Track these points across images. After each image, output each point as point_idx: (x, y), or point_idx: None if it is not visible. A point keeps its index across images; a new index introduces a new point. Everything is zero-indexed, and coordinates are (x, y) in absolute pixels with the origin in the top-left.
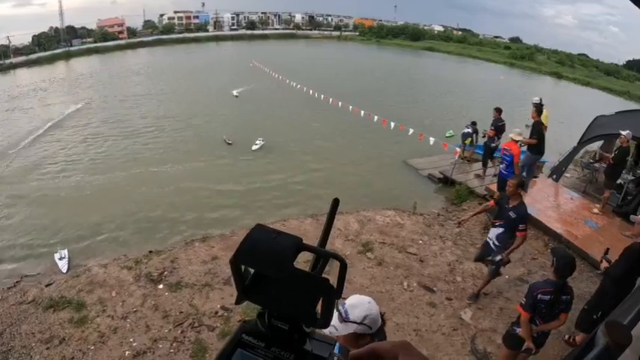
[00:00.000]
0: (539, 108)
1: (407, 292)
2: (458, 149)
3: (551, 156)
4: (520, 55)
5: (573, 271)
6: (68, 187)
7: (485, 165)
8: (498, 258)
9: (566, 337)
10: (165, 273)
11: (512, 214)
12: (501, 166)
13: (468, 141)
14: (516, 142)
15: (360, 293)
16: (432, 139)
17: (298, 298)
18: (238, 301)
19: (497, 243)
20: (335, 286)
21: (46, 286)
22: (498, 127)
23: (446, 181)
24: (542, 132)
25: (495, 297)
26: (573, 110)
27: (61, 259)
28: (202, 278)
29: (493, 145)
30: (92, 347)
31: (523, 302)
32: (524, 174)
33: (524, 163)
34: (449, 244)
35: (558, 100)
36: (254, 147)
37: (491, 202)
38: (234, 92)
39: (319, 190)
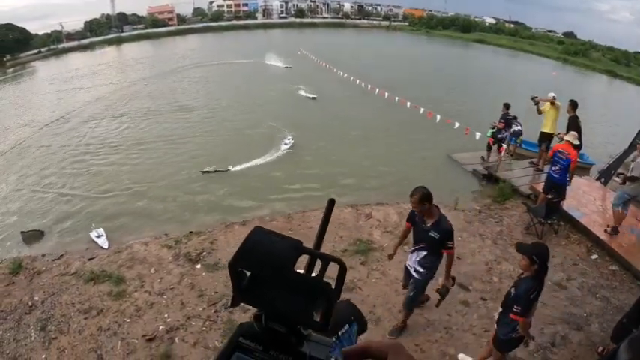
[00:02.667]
0: (574, 104)
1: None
2: (504, 145)
3: (600, 158)
4: (574, 51)
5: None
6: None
7: (489, 149)
8: (442, 286)
9: (600, 349)
10: (204, 253)
11: (434, 235)
12: (553, 168)
13: (519, 139)
14: (575, 146)
15: (394, 286)
16: (478, 134)
17: (296, 300)
18: (233, 304)
19: (420, 269)
20: (335, 288)
21: (89, 259)
22: (508, 121)
23: (490, 178)
24: (579, 127)
25: None
26: (627, 111)
27: (98, 236)
28: None
29: (500, 136)
30: (128, 320)
31: (518, 310)
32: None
33: None
34: (488, 242)
35: (611, 100)
36: (283, 147)
37: (406, 224)
38: (304, 93)
39: (360, 180)
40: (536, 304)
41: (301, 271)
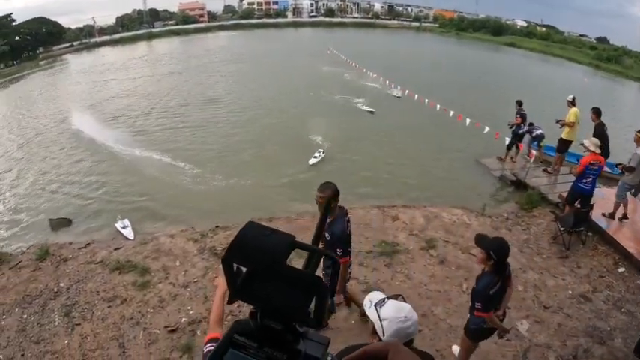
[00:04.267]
0: (597, 112)
1: (465, 295)
2: (534, 152)
3: None
4: (606, 56)
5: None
6: (146, 154)
7: (509, 149)
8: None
9: None
10: None
11: (327, 235)
12: (584, 180)
13: (543, 143)
14: (598, 154)
15: (418, 290)
16: (507, 139)
17: (291, 296)
18: (230, 301)
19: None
20: (329, 283)
21: (115, 249)
22: (523, 115)
23: (518, 185)
24: (606, 134)
25: (555, 312)
26: None
27: (124, 227)
28: None
29: (520, 132)
30: (151, 310)
31: (480, 307)
32: None
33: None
34: (514, 250)
35: None
36: (311, 161)
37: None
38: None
39: (386, 181)
40: (507, 295)
41: (294, 267)
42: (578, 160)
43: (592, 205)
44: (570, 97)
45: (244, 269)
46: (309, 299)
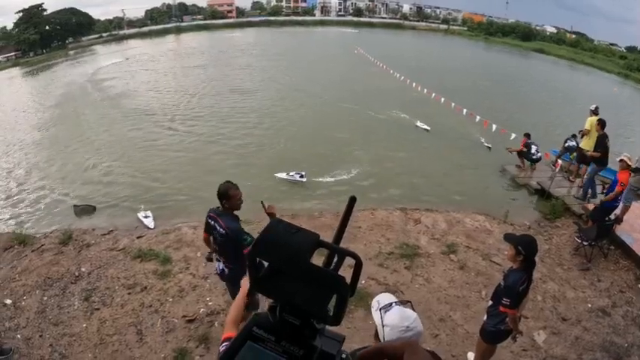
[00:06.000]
0: (602, 123)
1: (483, 302)
2: (560, 161)
3: None
4: (636, 66)
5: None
6: (173, 146)
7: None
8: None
9: None
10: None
11: (220, 230)
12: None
13: (572, 155)
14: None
15: (436, 294)
16: (534, 147)
17: (312, 293)
18: (250, 292)
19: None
20: (349, 283)
21: (137, 237)
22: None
23: (542, 194)
24: (606, 145)
25: (573, 324)
26: None
27: (146, 217)
28: None
29: (534, 157)
30: (170, 299)
31: (508, 303)
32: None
33: (590, 176)
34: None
35: None
36: (282, 175)
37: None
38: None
39: (410, 184)
40: (526, 298)
41: (317, 265)
42: (615, 177)
43: (617, 219)
44: (593, 107)
45: (266, 263)
46: (329, 297)
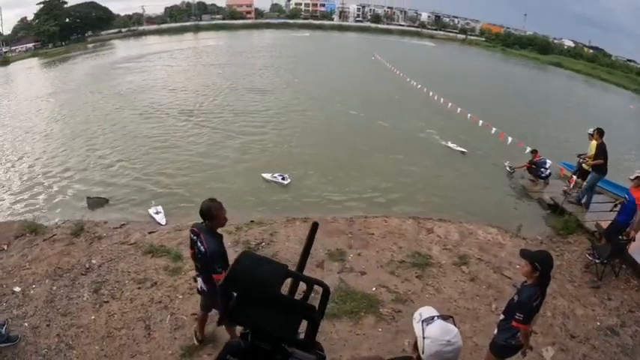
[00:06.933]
0: (601, 132)
1: (493, 315)
2: (575, 177)
3: None
4: None
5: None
6: (188, 144)
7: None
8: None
9: None
10: (263, 244)
11: (201, 247)
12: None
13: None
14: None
15: (446, 305)
16: (548, 162)
17: (281, 320)
18: (220, 322)
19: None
20: (318, 308)
21: (149, 233)
22: (535, 163)
23: (555, 209)
24: (606, 152)
25: (582, 342)
26: None
27: (157, 213)
28: (297, 256)
29: (543, 175)
30: (180, 297)
31: (521, 318)
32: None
33: (590, 184)
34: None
35: None
36: (267, 176)
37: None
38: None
39: (425, 194)
40: (537, 314)
41: (286, 295)
42: (628, 194)
43: (632, 238)
44: (591, 130)
45: (235, 294)
46: (299, 323)
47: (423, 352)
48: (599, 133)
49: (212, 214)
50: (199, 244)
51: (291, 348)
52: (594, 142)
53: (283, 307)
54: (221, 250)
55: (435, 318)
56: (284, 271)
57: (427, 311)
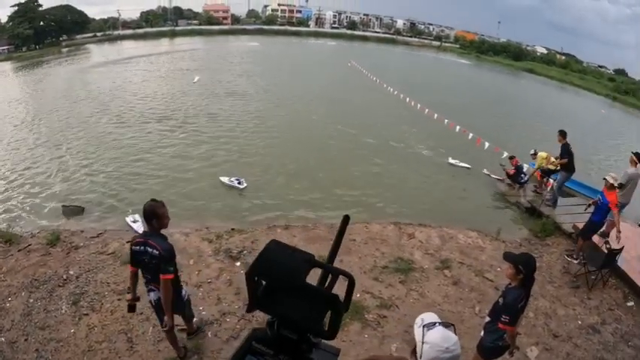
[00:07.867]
0: (563, 133)
1: (477, 317)
2: (552, 181)
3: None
4: (624, 89)
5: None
6: (165, 150)
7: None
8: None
9: None
10: (245, 252)
11: (154, 252)
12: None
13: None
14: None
15: (431, 309)
16: (525, 166)
17: (308, 310)
18: (249, 310)
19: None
20: (344, 300)
21: (127, 242)
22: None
23: (533, 212)
24: (571, 152)
25: (565, 341)
26: None
27: (134, 221)
28: None
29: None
30: None
31: (507, 320)
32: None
33: (560, 183)
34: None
35: None
36: (224, 179)
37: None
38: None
39: (403, 200)
40: (522, 315)
41: (312, 284)
42: (602, 195)
43: (604, 234)
44: (532, 151)
45: (264, 282)
46: (324, 313)
47: (420, 357)
48: (562, 134)
49: (156, 213)
50: (149, 249)
51: (317, 338)
52: (543, 154)
53: (310, 297)
54: (173, 250)
55: (437, 324)
56: (310, 259)
57: (429, 317)
